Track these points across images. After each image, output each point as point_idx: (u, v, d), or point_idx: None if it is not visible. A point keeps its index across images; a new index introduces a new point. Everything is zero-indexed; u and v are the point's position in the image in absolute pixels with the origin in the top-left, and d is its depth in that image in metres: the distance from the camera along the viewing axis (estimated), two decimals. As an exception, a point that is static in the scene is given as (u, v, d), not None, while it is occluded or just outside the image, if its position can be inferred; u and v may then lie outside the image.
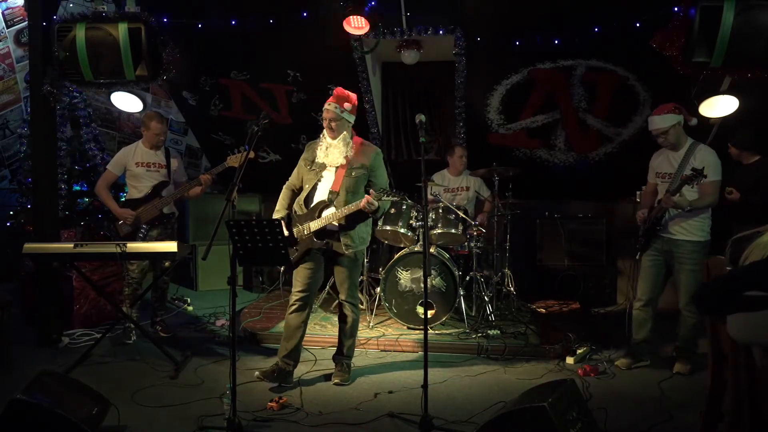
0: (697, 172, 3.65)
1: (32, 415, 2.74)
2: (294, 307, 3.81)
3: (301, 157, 3.93)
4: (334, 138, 3.73)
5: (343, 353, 3.97)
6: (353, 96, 3.78)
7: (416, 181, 3.62)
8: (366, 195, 3.61)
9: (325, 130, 3.78)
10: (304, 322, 3.85)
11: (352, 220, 3.72)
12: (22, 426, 2.75)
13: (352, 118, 3.79)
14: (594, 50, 5.19)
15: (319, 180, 3.79)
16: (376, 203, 3.58)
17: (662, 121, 3.89)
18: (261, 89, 6.14)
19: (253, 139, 3.37)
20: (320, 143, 3.81)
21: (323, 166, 3.78)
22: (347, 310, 3.92)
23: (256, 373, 3.76)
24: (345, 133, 3.76)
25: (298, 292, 3.80)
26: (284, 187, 3.97)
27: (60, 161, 5.60)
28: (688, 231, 3.88)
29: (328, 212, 3.70)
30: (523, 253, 6.22)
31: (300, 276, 3.79)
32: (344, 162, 3.73)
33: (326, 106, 3.72)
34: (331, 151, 3.73)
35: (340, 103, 3.70)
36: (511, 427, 2.70)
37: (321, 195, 3.76)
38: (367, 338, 4.67)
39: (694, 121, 3.92)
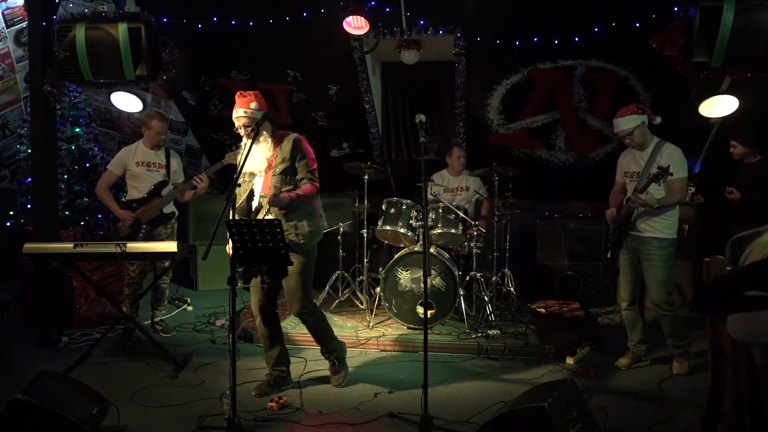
0: (663, 170, 3.70)
1: (32, 415, 2.74)
2: (259, 317, 3.74)
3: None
4: (257, 143, 3.54)
5: (326, 350, 3.92)
6: (255, 93, 3.59)
7: (416, 181, 3.62)
8: None
9: (243, 138, 3.59)
10: (275, 331, 3.77)
11: (289, 217, 3.56)
12: (22, 426, 2.75)
13: (261, 113, 3.54)
14: (594, 50, 5.19)
15: (252, 188, 3.66)
16: (282, 198, 3.40)
17: (626, 122, 3.93)
18: (261, 89, 6.13)
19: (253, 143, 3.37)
20: (242, 152, 3.61)
21: (252, 175, 3.65)
22: (303, 319, 3.76)
23: (253, 393, 3.66)
24: (264, 133, 3.59)
25: (255, 302, 3.72)
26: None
27: (60, 161, 5.60)
28: (655, 228, 3.91)
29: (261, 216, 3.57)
30: (523, 253, 6.23)
31: (254, 285, 3.67)
32: (267, 164, 3.60)
33: (234, 114, 3.55)
34: (254, 157, 3.54)
35: (246, 106, 3.53)
36: (511, 427, 2.70)
37: (255, 202, 3.64)
38: (367, 338, 4.67)
39: (657, 120, 3.95)
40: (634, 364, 4.15)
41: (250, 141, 3.46)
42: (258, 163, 3.59)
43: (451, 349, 4.53)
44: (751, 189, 4.57)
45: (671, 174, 3.71)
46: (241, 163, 3.38)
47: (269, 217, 3.48)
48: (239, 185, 3.49)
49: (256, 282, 3.65)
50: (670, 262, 3.93)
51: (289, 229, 3.53)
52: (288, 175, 3.56)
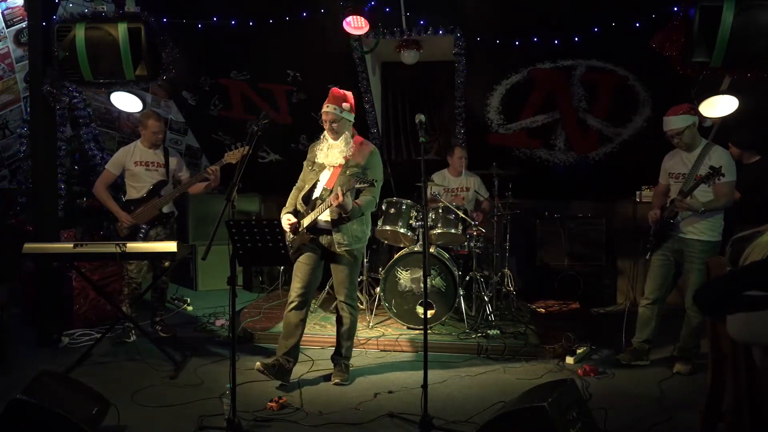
0: (714, 171, 3.68)
1: (32, 415, 2.74)
2: (293, 305, 3.80)
3: (306, 158, 3.97)
4: (335, 139, 3.77)
5: (341, 354, 3.97)
6: (349, 95, 3.80)
7: (416, 181, 3.63)
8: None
9: (326, 132, 3.80)
10: (303, 320, 3.85)
11: (341, 217, 3.71)
12: (22, 426, 2.75)
13: (351, 117, 3.82)
14: (594, 50, 5.19)
15: (318, 179, 3.82)
16: (347, 200, 3.52)
17: (678, 121, 3.90)
18: (261, 89, 6.15)
19: (253, 139, 3.37)
20: (321, 144, 3.85)
21: (322, 166, 3.82)
22: (345, 311, 3.91)
23: (257, 363, 3.69)
24: (346, 132, 3.79)
25: (298, 288, 3.80)
26: (294, 188, 3.99)
27: (60, 161, 5.60)
28: (699, 231, 3.89)
29: (318, 208, 3.71)
30: (523, 253, 6.23)
31: (299, 272, 3.80)
32: (342, 161, 3.75)
33: (325, 108, 3.74)
34: (332, 152, 3.76)
35: (338, 104, 3.72)
36: (511, 427, 2.70)
37: (317, 193, 3.79)
38: (367, 338, 4.67)
39: (708, 122, 3.93)
40: (634, 361, 4.14)
41: (330, 137, 3.75)
42: (333, 157, 3.75)
43: (451, 349, 4.52)
44: (750, 189, 4.56)
45: (723, 175, 3.69)
46: (321, 156, 3.75)
47: (326, 212, 3.66)
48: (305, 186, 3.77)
49: (303, 267, 3.77)
50: None
51: (341, 229, 3.71)
52: (358, 180, 3.67)
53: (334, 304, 5.49)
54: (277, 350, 3.86)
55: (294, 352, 3.84)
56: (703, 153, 3.90)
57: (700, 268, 3.86)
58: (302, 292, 3.80)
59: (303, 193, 3.85)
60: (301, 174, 3.98)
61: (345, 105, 3.74)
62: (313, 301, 5.53)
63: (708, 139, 5.54)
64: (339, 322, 3.97)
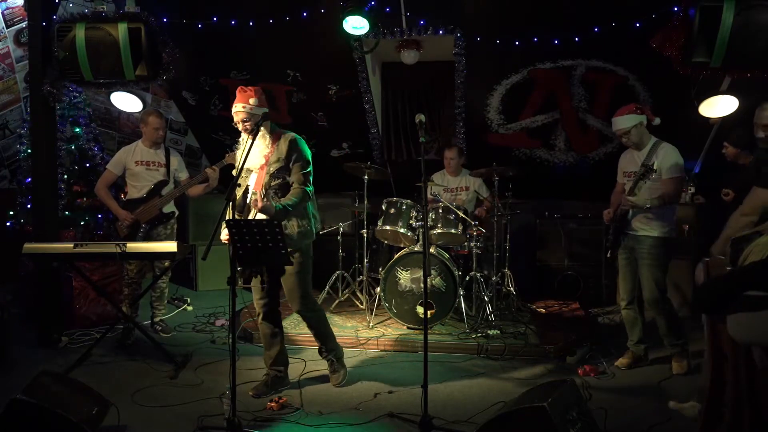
0: (647, 168, 3.73)
1: (32, 415, 2.74)
2: (260, 316, 3.74)
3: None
4: (253, 138, 3.48)
5: (325, 349, 3.92)
6: (254, 89, 3.57)
7: (416, 181, 3.61)
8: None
9: (242, 133, 3.59)
10: (277, 329, 3.77)
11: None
12: (22, 426, 2.75)
13: (262, 111, 3.51)
14: (594, 50, 5.19)
15: (248, 184, 3.62)
16: (269, 203, 3.37)
17: (624, 121, 3.94)
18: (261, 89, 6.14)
19: (253, 139, 3.37)
20: (240, 147, 3.65)
21: (249, 171, 3.62)
22: (305, 317, 3.79)
23: (250, 393, 3.65)
24: (263, 129, 3.55)
25: (258, 299, 3.72)
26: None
27: (60, 161, 5.60)
28: (649, 227, 3.93)
29: (252, 215, 3.55)
30: (523, 253, 6.23)
31: (255, 283, 3.66)
32: (263, 161, 3.57)
33: (233, 109, 3.53)
34: (252, 153, 3.48)
35: (245, 101, 3.49)
36: (511, 427, 2.70)
37: (249, 198, 3.61)
38: (367, 338, 4.67)
39: (657, 121, 3.96)
40: (634, 364, 4.15)
41: (249, 137, 3.47)
42: (255, 159, 3.56)
43: (451, 349, 4.53)
44: (746, 189, 4.55)
45: (655, 171, 3.74)
46: (241, 160, 3.36)
47: (259, 216, 3.44)
48: (239, 185, 3.49)
49: (256, 282, 3.65)
50: (663, 261, 3.93)
51: (294, 227, 3.56)
52: (282, 175, 3.55)
53: (335, 303, 5.55)
54: (264, 362, 3.81)
55: (281, 360, 3.78)
56: (651, 151, 3.94)
57: (650, 263, 3.92)
58: (264, 302, 3.70)
59: (238, 201, 3.56)
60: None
61: (252, 101, 3.49)
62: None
63: (709, 139, 5.57)
64: (308, 327, 3.88)
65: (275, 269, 3.59)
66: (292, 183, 3.57)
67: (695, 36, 3.79)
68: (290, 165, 3.58)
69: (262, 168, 3.58)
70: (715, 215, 4.06)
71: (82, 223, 5.91)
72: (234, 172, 3.23)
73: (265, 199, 3.39)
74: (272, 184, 3.52)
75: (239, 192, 3.60)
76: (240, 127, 3.55)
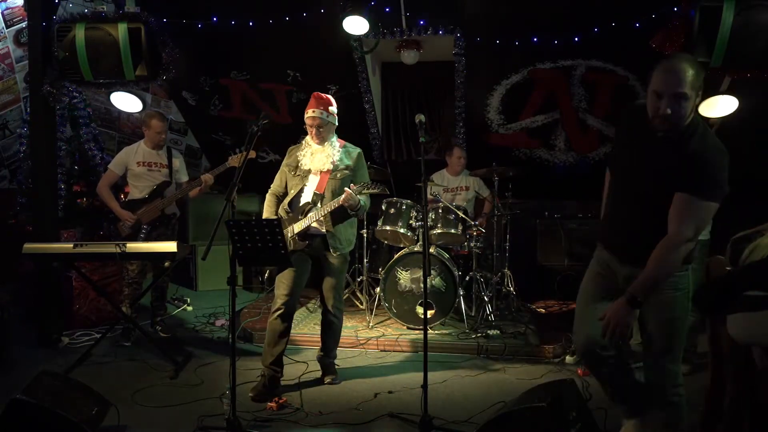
0: None
1: (32, 415, 2.74)
2: (278, 312, 3.67)
3: (283, 162, 3.86)
4: (321, 143, 3.68)
5: (330, 356, 3.95)
6: (333, 99, 3.73)
7: (416, 181, 3.61)
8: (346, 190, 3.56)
9: (309, 136, 3.73)
10: (288, 328, 3.75)
11: (336, 221, 3.69)
12: (22, 426, 2.75)
13: (335, 121, 3.73)
14: (594, 50, 5.19)
15: (304, 184, 3.73)
16: (357, 197, 3.55)
17: None
18: (261, 89, 6.14)
19: (253, 139, 3.37)
20: (303, 149, 3.76)
21: (308, 172, 3.73)
22: (333, 317, 3.86)
23: (250, 394, 3.62)
24: (332, 137, 3.74)
25: (284, 295, 3.67)
26: (268, 194, 3.89)
27: (60, 161, 5.60)
28: None
29: (312, 213, 3.65)
30: (523, 253, 6.22)
31: (285, 279, 3.67)
32: (331, 166, 3.69)
33: (310, 112, 3.64)
34: (317, 157, 3.68)
35: (324, 108, 3.64)
36: (511, 427, 2.70)
37: (306, 198, 3.70)
38: (367, 338, 4.67)
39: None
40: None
41: (315, 142, 3.68)
42: (320, 163, 3.68)
43: (451, 349, 4.52)
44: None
45: None
46: (300, 161, 3.69)
47: (322, 212, 3.62)
48: (297, 191, 3.70)
49: (284, 276, 3.69)
50: None
51: (335, 233, 3.70)
52: (347, 183, 3.68)
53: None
54: (263, 358, 3.74)
55: (279, 361, 3.75)
56: None
57: None
58: (287, 299, 3.67)
59: (289, 198, 3.75)
60: (277, 178, 3.87)
61: (331, 109, 3.67)
62: (313, 301, 5.55)
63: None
64: (328, 327, 3.89)
65: (317, 264, 3.79)
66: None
67: (695, 36, 3.79)
68: (357, 174, 3.76)
69: (328, 172, 3.70)
70: (716, 215, 4.04)
71: (81, 224, 5.91)
72: (235, 177, 3.24)
73: (353, 194, 3.53)
74: (359, 187, 3.61)
75: (293, 191, 3.75)
76: (312, 131, 3.68)
